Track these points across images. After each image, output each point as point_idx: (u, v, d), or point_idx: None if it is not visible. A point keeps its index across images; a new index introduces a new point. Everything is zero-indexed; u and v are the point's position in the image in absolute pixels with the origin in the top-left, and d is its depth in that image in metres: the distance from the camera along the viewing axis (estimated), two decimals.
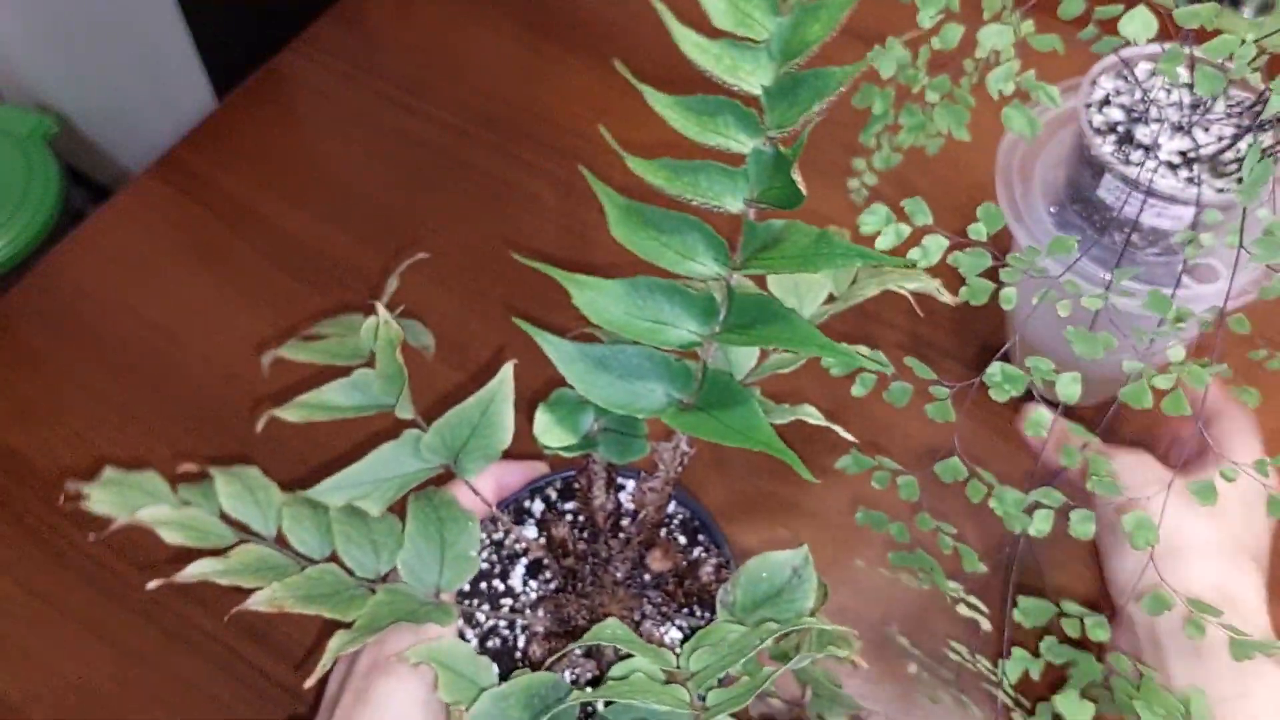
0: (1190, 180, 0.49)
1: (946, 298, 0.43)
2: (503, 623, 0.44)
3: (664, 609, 0.44)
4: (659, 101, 0.36)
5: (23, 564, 0.60)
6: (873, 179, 0.54)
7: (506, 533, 0.46)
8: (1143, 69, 0.53)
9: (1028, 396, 0.42)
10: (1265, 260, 0.39)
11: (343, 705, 0.40)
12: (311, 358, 0.45)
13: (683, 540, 0.47)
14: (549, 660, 0.39)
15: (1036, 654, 0.42)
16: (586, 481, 0.44)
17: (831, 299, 0.45)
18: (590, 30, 0.84)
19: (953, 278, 0.43)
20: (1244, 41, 0.39)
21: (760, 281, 0.39)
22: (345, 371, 0.43)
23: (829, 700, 0.44)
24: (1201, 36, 0.42)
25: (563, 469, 0.48)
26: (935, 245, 0.42)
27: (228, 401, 0.66)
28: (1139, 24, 0.40)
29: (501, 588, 0.45)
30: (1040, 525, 0.40)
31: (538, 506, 0.47)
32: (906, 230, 0.42)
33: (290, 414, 0.41)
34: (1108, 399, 0.60)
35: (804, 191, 0.34)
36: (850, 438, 0.39)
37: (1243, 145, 0.45)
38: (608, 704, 0.34)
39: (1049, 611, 0.43)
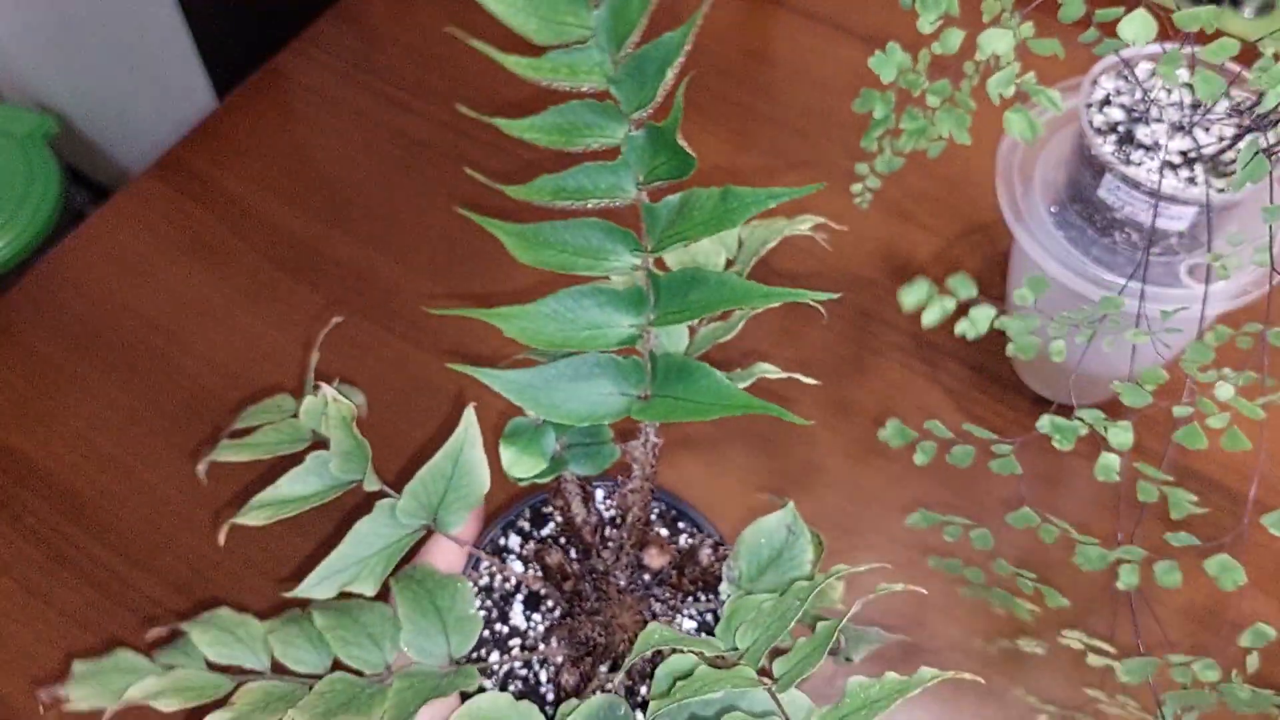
0: (1191, 180, 0.49)
1: (827, 235, 0.44)
2: (518, 664, 0.43)
3: (671, 603, 0.44)
4: (514, 128, 0.36)
5: (22, 563, 0.60)
6: (876, 183, 0.54)
7: (493, 576, 0.45)
8: (1143, 69, 0.53)
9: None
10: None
11: None
12: (251, 455, 0.43)
13: (665, 532, 0.47)
14: (588, 684, 0.39)
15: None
16: (563, 501, 0.44)
17: (730, 264, 0.46)
18: None
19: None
20: (1263, 54, 0.40)
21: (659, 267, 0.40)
22: (295, 459, 0.42)
23: (855, 640, 0.44)
24: (1201, 38, 0.42)
25: (527, 497, 0.47)
26: (983, 316, 0.42)
27: (228, 401, 0.66)
28: (1139, 26, 0.40)
29: (505, 630, 0.44)
30: (1128, 579, 0.42)
31: (514, 541, 0.47)
32: (952, 305, 0.42)
33: (252, 519, 0.40)
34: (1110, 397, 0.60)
35: (693, 155, 0.34)
36: (813, 381, 0.39)
37: (1243, 145, 0.45)
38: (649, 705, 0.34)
39: (1153, 666, 0.42)
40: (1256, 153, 0.41)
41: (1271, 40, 0.41)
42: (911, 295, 0.42)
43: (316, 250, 0.73)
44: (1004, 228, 0.55)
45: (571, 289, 0.38)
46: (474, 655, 0.43)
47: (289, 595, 0.39)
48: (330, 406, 0.41)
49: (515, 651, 0.43)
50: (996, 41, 0.42)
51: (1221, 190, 0.48)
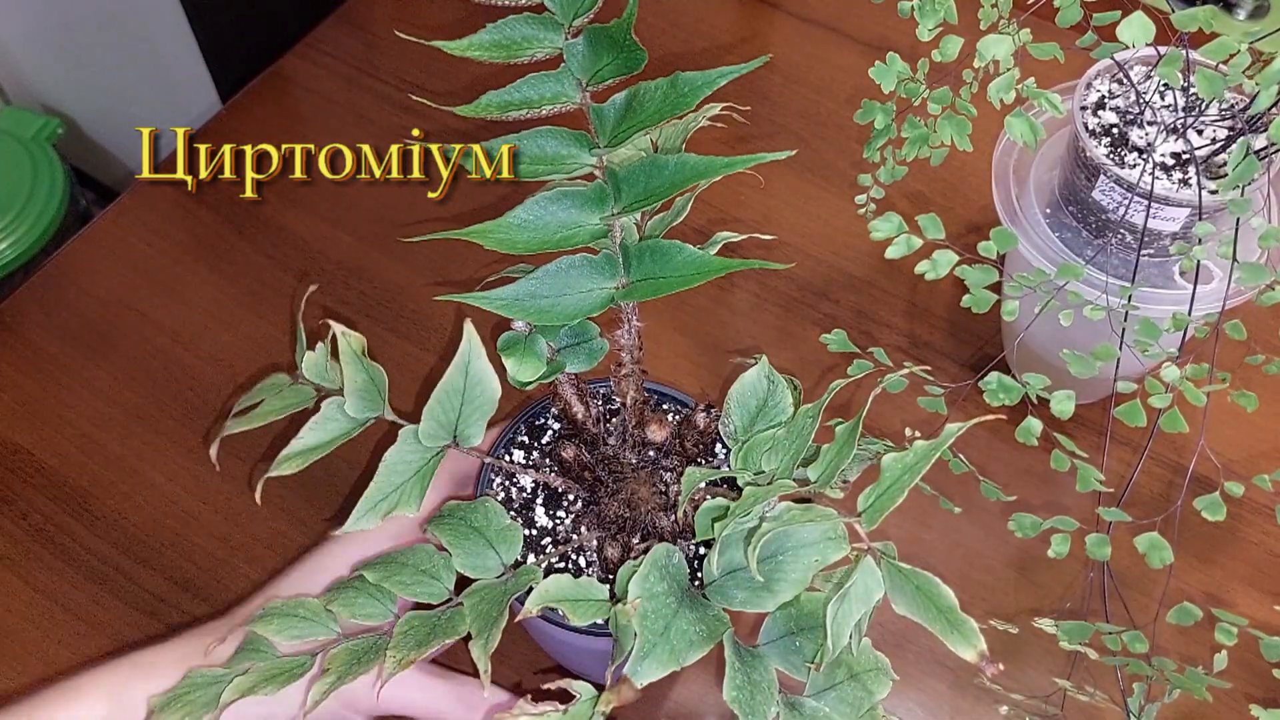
0: (1184, 182, 0.50)
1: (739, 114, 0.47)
2: (555, 559, 0.45)
3: (679, 470, 0.46)
4: (455, 48, 0.39)
5: (27, 561, 0.61)
6: (880, 192, 0.55)
7: (507, 490, 0.48)
8: (1137, 72, 0.54)
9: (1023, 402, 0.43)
10: (1251, 283, 0.40)
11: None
12: (262, 421, 0.45)
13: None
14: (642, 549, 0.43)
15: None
16: (563, 401, 0.46)
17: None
18: None
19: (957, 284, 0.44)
20: (1239, 50, 0.40)
21: None
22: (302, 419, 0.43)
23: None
24: (1198, 39, 0.42)
25: (518, 415, 0.50)
26: (945, 259, 0.44)
27: (232, 400, 0.66)
28: (1137, 28, 0.41)
29: (534, 533, 0.47)
30: (1058, 549, 0.43)
31: (518, 455, 0.49)
32: (918, 242, 0.43)
33: (285, 469, 0.42)
34: (1109, 396, 0.60)
35: (643, 49, 0.36)
36: (769, 237, 0.40)
37: (1234, 147, 0.45)
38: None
39: (1088, 630, 0.44)
40: (1247, 154, 0.42)
41: (1264, 43, 0.42)
42: (882, 229, 0.44)
43: (320, 251, 0.73)
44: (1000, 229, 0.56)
45: (538, 195, 0.40)
46: (517, 561, 0.45)
47: (337, 534, 0.41)
48: (341, 341, 0.43)
49: (550, 549, 0.46)
50: (996, 47, 0.43)
51: (1214, 192, 0.49)
